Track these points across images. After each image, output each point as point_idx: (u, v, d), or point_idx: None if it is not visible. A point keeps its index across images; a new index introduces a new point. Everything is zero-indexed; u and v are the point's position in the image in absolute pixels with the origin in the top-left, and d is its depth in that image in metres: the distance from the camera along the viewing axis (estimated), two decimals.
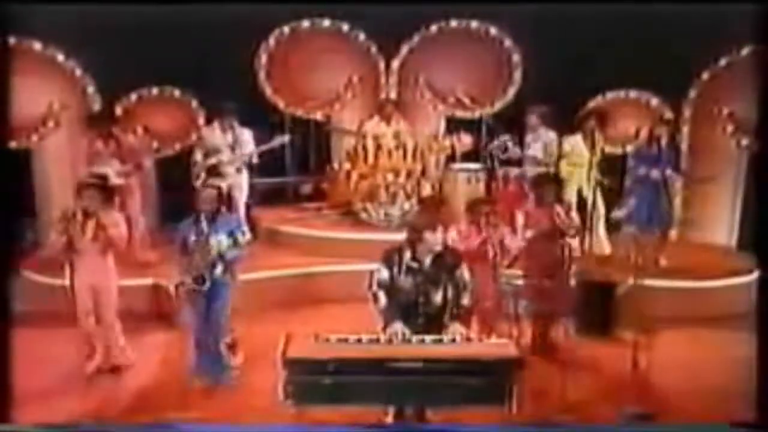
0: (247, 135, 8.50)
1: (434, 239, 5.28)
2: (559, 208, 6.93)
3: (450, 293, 5.34)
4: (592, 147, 7.86)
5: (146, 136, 9.07)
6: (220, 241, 6.00)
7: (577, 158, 8.34)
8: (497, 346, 5.00)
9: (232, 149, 8.40)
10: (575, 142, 8.46)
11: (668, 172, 8.10)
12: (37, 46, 8.55)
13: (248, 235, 6.26)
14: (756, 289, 7.29)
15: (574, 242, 7.16)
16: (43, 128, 8.65)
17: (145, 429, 5.68)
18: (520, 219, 7.10)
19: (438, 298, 5.33)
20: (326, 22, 9.81)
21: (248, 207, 8.90)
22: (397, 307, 5.28)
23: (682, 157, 8.39)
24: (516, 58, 9.83)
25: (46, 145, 8.76)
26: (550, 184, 7.18)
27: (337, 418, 5.21)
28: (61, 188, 8.67)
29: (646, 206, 8.20)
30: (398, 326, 5.18)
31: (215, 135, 8.47)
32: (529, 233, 6.88)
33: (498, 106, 9.95)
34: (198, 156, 8.46)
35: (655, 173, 8.05)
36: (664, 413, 5.82)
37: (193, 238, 6.07)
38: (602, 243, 8.52)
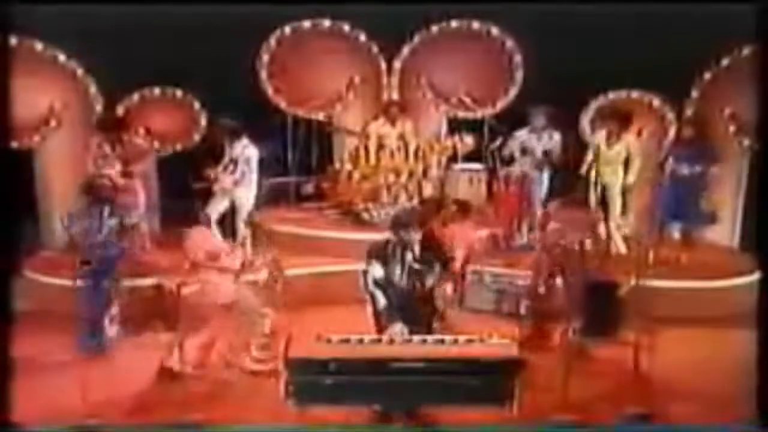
0: (246, 156, 8.26)
1: (417, 235, 5.41)
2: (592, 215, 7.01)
3: (439, 269, 5.46)
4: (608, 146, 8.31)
5: (148, 138, 9.07)
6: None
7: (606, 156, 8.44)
8: (498, 346, 5.00)
9: (225, 168, 8.30)
10: (599, 141, 8.52)
11: (697, 168, 8.15)
12: (39, 46, 8.55)
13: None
14: (758, 290, 7.29)
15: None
16: (44, 128, 8.65)
17: (146, 429, 5.68)
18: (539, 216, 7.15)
19: (430, 281, 5.43)
20: (327, 23, 9.81)
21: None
22: (396, 307, 5.30)
23: (710, 154, 8.38)
24: (517, 58, 9.82)
25: (47, 145, 8.77)
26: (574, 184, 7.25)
27: (339, 417, 5.21)
28: (62, 188, 8.69)
29: (673, 204, 8.27)
30: (399, 327, 5.21)
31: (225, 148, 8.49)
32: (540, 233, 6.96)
33: (500, 106, 9.95)
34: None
35: (683, 170, 8.11)
36: (665, 413, 5.82)
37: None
38: (618, 242, 8.57)
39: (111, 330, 6.96)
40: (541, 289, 7.03)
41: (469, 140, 9.31)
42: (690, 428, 5.73)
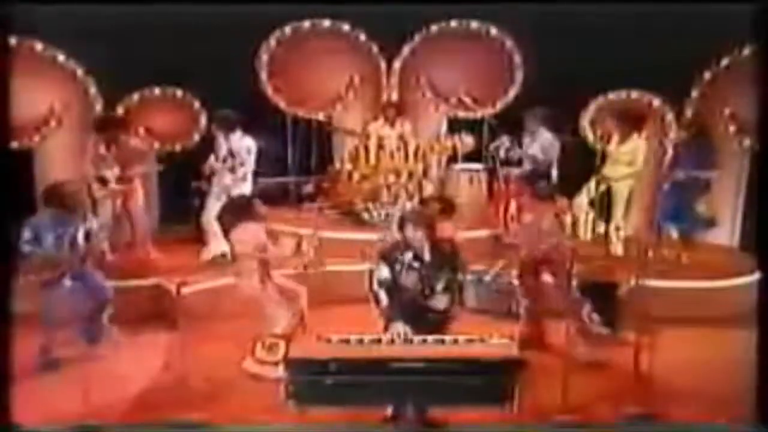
0: (246, 146, 8.34)
1: (423, 236, 5.41)
2: (557, 206, 7.01)
3: (449, 277, 5.47)
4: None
5: (148, 138, 9.06)
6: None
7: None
8: (498, 346, 4.99)
9: (224, 160, 8.36)
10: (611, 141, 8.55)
11: (696, 172, 8.15)
12: (39, 46, 8.54)
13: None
14: (758, 290, 7.29)
15: (578, 241, 7.20)
16: (44, 128, 8.64)
17: (146, 429, 5.68)
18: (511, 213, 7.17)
19: (440, 286, 5.44)
20: (327, 23, 9.80)
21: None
22: (399, 307, 5.32)
23: (709, 157, 8.38)
24: (517, 58, 9.82)
25: (47, 145, 8.76)
26: (543, 180, 7.24)
27: (339, 418, 5.21)
28: None
29: (670, 207, 8.31)
30: (400, 326, 5.21)
31: (219, 142, 8.50)
32: (518, 227, 6.98)
33: (499, 106, 9.94)
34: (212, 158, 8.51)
35: (682, 173, 8.13)
36: (665, 413, 5.81)
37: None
38: (616, 243, 8.58)
39: (109, 331, 6.92)
40: (530, 288, 7.04)
41: (469, 140, 9.30)
42: (690, 428, 5.73)
